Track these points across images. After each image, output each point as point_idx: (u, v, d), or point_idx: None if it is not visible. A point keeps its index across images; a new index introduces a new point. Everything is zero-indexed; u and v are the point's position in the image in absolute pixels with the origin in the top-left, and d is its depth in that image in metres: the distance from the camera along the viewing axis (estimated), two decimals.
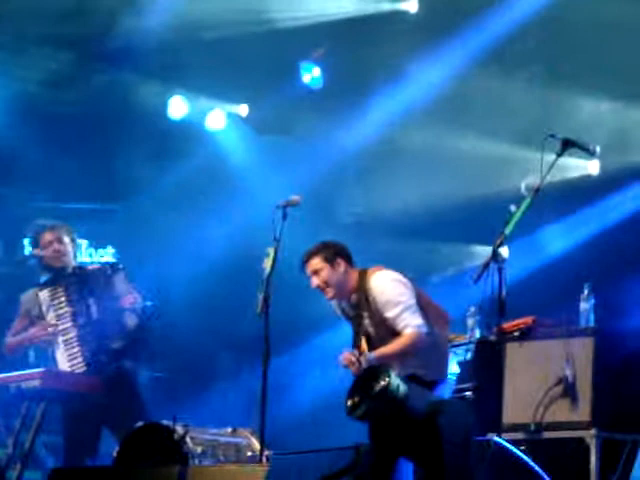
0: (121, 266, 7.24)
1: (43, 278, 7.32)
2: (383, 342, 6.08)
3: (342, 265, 6.22)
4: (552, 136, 5.81)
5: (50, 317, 7.19)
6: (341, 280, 6.20)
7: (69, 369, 7.13)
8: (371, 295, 6.13)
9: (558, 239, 8.49)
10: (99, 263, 7.23)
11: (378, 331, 6.14)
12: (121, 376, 7.05)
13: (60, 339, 7.17)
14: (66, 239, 7.26)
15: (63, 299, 7.21)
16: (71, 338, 7.15)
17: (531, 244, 7.76)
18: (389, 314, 6.07)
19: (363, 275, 6.22)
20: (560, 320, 6.97)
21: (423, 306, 6.17)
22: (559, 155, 5.76)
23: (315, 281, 6.18)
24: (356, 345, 6.10)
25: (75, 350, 7.14)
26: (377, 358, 5.97)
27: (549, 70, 8.71)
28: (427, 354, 6.05)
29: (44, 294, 7.24)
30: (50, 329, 7.15)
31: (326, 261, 6.22)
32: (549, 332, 6.94)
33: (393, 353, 6.02)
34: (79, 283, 7.19)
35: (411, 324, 6.03)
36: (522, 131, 8.49)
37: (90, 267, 7.30)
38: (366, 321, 6.19)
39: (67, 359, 7.15)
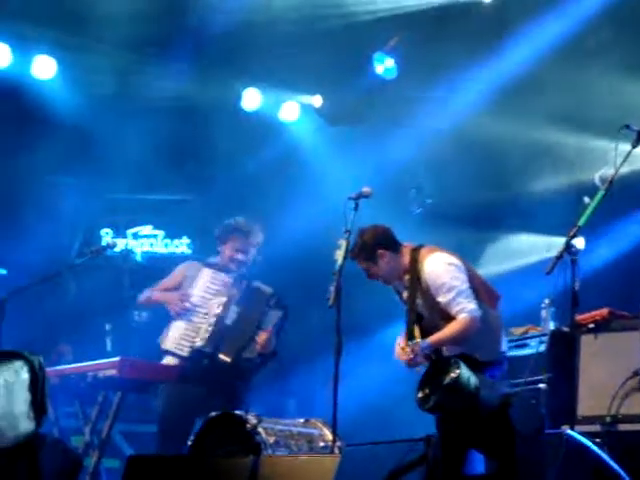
0: (283, 305, 7.28)
1: (212, 259, 7.45)
2: (435, 325, 6.11)
3: (385, 255, 6.26)
4: (627, 127, 5.74)
5: (196, 292, 7.28)
6: (387, 269, 6.27)
7: (170, 346, 7.19)
8: (424, 278, 6.17)
9: (633, 230, 8.37)
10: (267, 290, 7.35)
11: (431, 313, 6.16)
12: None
13: (191, 317, 7.24)
14: (253, 250, 7.36)
15: (220, 288, 7.28)
16: (199, 323, 7.22)
17: (607, 235, 7.66)
18: (442, 299, 6.10)
19: (416, 255, 6.24)
20: (636, 312, 6.90)
21: (476, 287, 6.18)
22: (634, 146, 5.69)
23: (367, 276, 6.29)
24: (409, 331, 6.11)
25: (192, 335, 7.20)
26: (431, 345, 5.99)
27: (625, 60, 8.57)
28: (480, 335, 6.06)
29: (208, 271, 7.34)
30: (187, 304, 7.22)
31: (367, 260, 6.27)
32: (625, 324, 6.86)
33: (447, 339, 6.05)
34: (241, 289, 7.29)
35: (465, 309, 6.05)
36: (597, 121, 8.38)
37: (260, 287, 7.33)
38: (419, 301, 6.21)
39: (179, 337, 7.21)
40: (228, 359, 7.11)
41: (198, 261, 7.54)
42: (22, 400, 5.27)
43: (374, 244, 6.30)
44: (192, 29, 8.95)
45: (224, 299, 7.24)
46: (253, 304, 7.27)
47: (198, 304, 7.27)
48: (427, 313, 6.17)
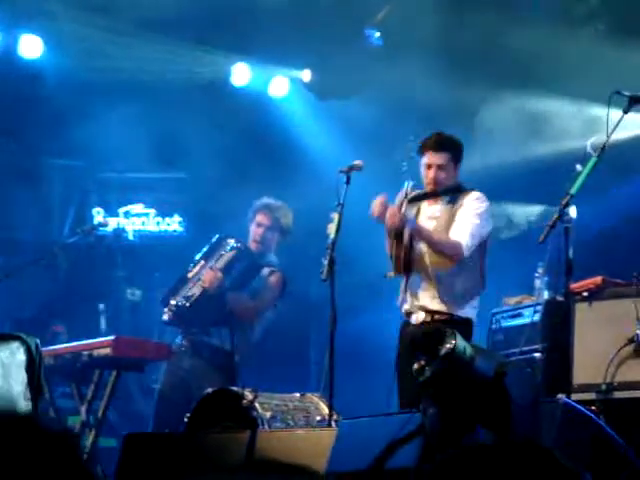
0: (237, 247, 7.29)
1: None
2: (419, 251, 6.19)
3: (458, 164, 6.30)
4: (618, 93, 5.71)
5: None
6: (451, 176, 6.25)
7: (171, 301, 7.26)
8: (466, 198, 6.21)
9: (625, 198, 8.37)
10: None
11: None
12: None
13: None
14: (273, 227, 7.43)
15: (230, 254, 7.28)
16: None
17: (600, 203, 7.65)
18: (459, 217, 6.15)
19: (463, 183, 6.27)
20: (630, 279, 6.90)
21: (481, 263, 6.20)
22: (625, 112, 5.67)
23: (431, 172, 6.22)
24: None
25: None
26: (415, 227, 6.08)
27: (614, 27, 8.56)
28: (464, 287, 6.11)
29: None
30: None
31: (448, 157, 6.24)
32: (619, 292, 6.87)
33: (432, 239, 6.10)
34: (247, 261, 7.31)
35: (464, 237, 6.08)
36: (588, 89, 8.36)
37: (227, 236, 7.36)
38: (425, 215, 6.25)
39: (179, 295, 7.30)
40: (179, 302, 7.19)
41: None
42: (19, 381, 5.27)
43: (461, 151, 6.29)
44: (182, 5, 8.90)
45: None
46: (215, 253, 7.30)
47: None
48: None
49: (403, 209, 6.17)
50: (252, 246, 7.42)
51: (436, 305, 6.23)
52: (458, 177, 6.35)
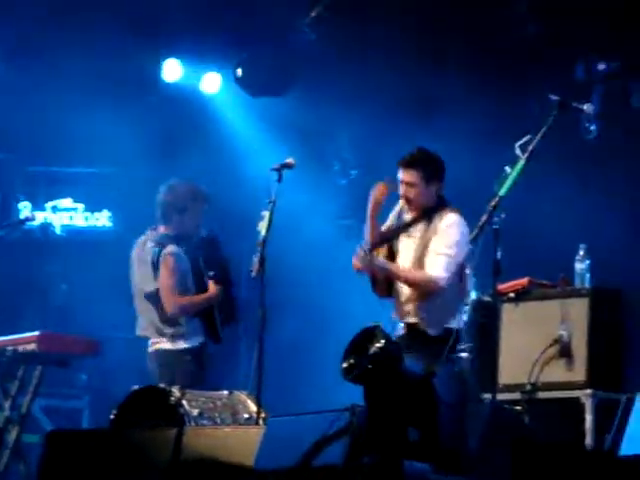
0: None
1: None
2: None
3: (436, 183, 6.14)
4: (547, 97, 5.79)
5: None
6: (427, 195, 6.11)
7: None
8: (439, 225, 6.06)
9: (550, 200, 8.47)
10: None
11: (406, 254, 6.12)
12: None
13: None
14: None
15: None
16: None
17: (526, 204, 7.74)
18: (434, 246, 6.01)
19: (444, 201, 6.14)
20: (556, 281, 6.99)
21: (461, 273, 6.12)
22: (554, 116, 5.74)
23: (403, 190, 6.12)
24: (376, 245, 6.06)
25: None
26: (386, 267, 5.97)
27: None
28: (434, 310, 6.03)
29: None
30: None
31: (421, 176, 6.08)
32: (544, 293, 6.96)
33: (403, 276, 6.01)
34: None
35: (439, 270, 5.97)
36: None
37: None
38: (405, 242, 6.16)
39: None
40: None
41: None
42: None
43: (441, 169, 6.16)
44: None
45: None
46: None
47: None
48: (404, 253, 6.15)
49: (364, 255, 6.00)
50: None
51: (413, 319, 6.12)
52: (439, 192, 6.16)
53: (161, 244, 6.78)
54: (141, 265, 6.82)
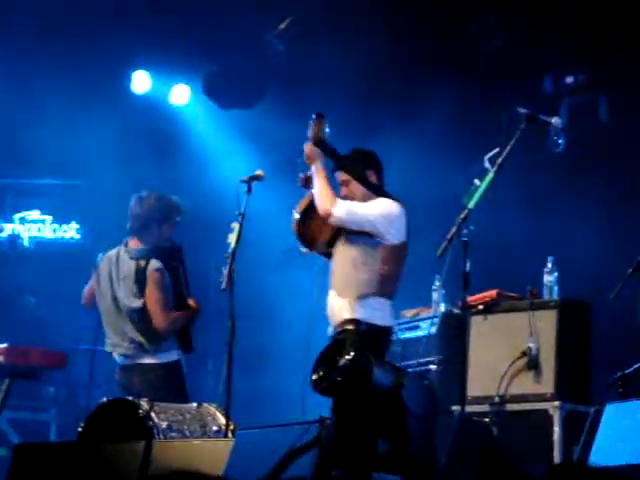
0: None
1: None
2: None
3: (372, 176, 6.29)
4: (515, 110, 5.82)
5: None
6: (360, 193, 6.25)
7: None
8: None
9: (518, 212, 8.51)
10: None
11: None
12: None
13: None
14: None
15: None
16: None
17: (495, 217, 7.77)
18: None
19: (381, 194, 6.26)
20: (524, 293, 7.02)
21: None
22: (522, 130, 5.77)
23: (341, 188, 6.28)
24: None
25: None
26: (319, 168, 6.13)
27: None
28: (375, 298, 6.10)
29: None
30: None
31: (351, 172, 6.24)
32: (513, 305, 6.99)
33: (321, 187, 6.09)
34: None
35: (340, 207, 6.07)
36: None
37: None
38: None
39: None
40: None
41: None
42: None
43: (372, 163, 6.29)
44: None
45: None
46: None
47: None
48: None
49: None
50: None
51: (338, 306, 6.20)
52: (376, 184, 6.28)
53: (144, 259, 6.71)
54: (121, 281, 6.72)
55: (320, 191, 6.11)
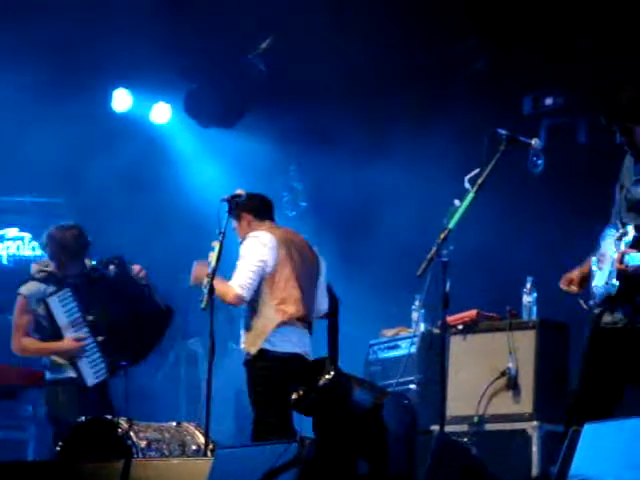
0: None
1: None
2: None
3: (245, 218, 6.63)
4: (496, 132, 5.85)
5: None
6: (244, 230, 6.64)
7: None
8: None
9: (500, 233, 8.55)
10: None
11: None
12: None
13: None
14: None
15: None
16: None
17: (475, 237, 7.81)
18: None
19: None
20: (503, 313, 7.05)
21: (277, 279, 6.30)
22: (502, 151, 5.80)
23: None
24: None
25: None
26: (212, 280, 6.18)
27: None
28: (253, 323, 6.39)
29: None
30: None
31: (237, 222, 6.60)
32: (492, 325, 7.02)
33: (218, 289, 6.21)
34: None
35: (234, 282, 6.38)
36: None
37: None
38: None
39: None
40: None
41: None
42: None
43: (244, 205, 6.52)
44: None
45: None
46: None
47: None
48: None
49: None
50: None
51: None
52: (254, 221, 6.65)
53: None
54: None
55: (219, 294, 6.26)
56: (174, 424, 6.29)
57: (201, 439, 6.10)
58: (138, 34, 8.92)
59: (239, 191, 6.31)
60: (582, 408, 5.48)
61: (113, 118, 9.82)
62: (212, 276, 6.08)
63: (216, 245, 6.15)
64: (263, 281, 6.46)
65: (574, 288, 5.76)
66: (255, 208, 6.65)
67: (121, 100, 9.82)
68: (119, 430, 5.95)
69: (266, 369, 6.36)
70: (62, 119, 9.30)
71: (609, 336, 5.50)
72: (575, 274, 5.76)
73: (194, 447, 6.12)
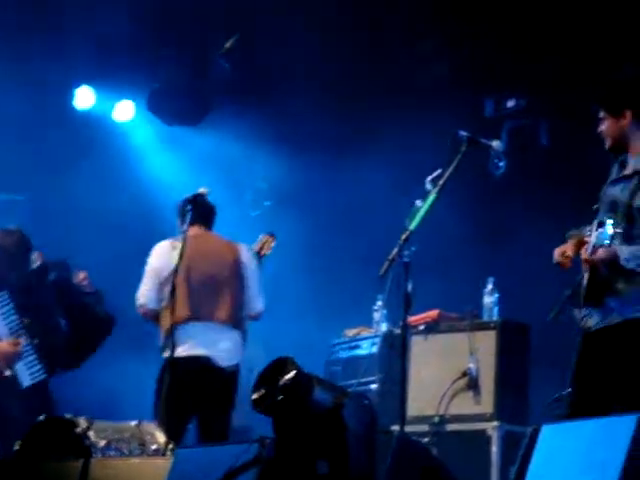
0: None
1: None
2: None
3: None
4: (456, 134, 5.87)
5: None
6: None
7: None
8: None
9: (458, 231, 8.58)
10: None
11: None
12: None
13: None
14: None
15: None
16: None
17: (436, 238, 7.84)
18: None
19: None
20: (464, 314, 7.08)
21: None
22: (463, 152, 5.83)
23: None
24: None
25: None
26: None
27: None
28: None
29: None
30: None
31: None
32: (453, 325, 7.05)
33: None
34: None
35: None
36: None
37: None
38: None
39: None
40: None
41: None
42: None
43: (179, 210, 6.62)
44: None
45: None
46: None
47: None
48: None
49: None
50: None
51: None
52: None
53: None
54: None
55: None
56: (134, 423, 6.26)
57: (161, 438, 6.08)
58: (103, 31, 8.89)
59: (202, 190, 6.30)
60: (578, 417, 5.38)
61: (75, 115, 9.75)
62: (175, 276, 6.07)
63: (178, 245, 6.15)
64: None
65: (569, 255, 5.46)
66: (180, 213, 6.63)
67: (84, 97, 9.75)
68: (77, 429, 5.91)
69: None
70: (24, 116, 9.23)
71: (591, 341, 5.36)
72: (568, 246, 5.51)
73: (154, 446, 6.10)
